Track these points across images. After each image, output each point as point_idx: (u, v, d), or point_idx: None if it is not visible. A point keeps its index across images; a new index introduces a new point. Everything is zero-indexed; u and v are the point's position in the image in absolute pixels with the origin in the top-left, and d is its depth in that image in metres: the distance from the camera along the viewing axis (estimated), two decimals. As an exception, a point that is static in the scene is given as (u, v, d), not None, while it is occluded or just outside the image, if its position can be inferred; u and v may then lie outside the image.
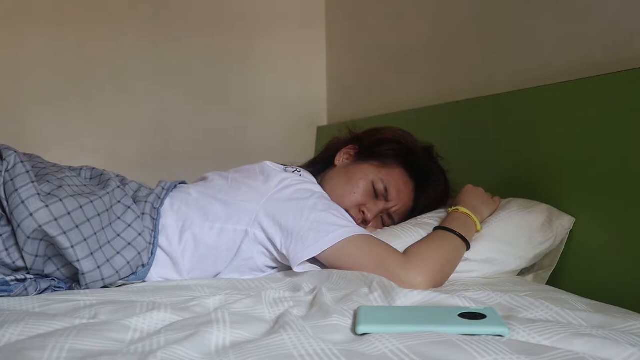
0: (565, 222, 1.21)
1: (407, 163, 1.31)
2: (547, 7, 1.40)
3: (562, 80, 1.29)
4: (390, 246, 1.11)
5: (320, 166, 1.38)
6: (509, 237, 1.19)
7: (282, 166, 1.30)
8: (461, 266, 1.15)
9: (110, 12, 2.39)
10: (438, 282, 1.06)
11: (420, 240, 1.15)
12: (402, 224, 1.25)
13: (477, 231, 1.18)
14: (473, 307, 0.84)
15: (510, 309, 0.88)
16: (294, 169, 1.29)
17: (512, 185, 1.39)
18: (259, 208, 1.17)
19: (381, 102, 2.19)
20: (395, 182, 1.29)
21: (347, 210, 1.27)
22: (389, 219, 1.31)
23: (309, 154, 2.39)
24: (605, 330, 0.77)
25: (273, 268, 1.22)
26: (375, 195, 1.28)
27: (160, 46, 2.46)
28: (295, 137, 2.61)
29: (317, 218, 1.13)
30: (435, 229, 1.17)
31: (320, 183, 1.31)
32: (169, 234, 1.17)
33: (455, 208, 1.21)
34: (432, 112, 1.78)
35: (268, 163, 1.29)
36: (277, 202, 1.17)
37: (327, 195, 1.23)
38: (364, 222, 1.28)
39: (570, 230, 1.22)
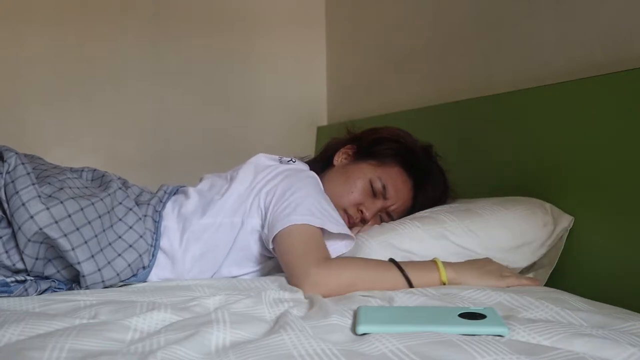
0: (564, 221, 1.21)
1: (406, 162, 1.31)
2: (547, 7, 1.40)
3: (562, 80, 1.29)
4: (327, 251, 1.10)
5: (319, 166, 1.38)
6: (507, 235, 1.19)
7: (277, 157, 1.32)
8: None
9: (110, 12, 2.39)
10: (334, 293, 1.02)
11: (360, 257, 1.12)
12: (401, 219, 1.25)
13: (443, 283, 1.05)
14: (473, 307, 0.84)
15: (510, 309, 0.88)
16: (289, 159, 1.31)
17: (512, 184, 1.39)
18: (252, 198, 1.20)
19: (381, 102, 2.19)
20: (393, 181, 1.29)
21: (345, 210, 1.27)
22: (388, 217, 1.31)
23: (309, 154, 2.39)
24: (605, 330, 0.77)
25: (270, 258, 1.22)
26: (374, 194, 1.29)
27: (160, 46, 2.46)
28: (295, 137, 2.60)
29: (297, 201, 1.14)
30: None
31: None
32: (170, 236, 1.18)
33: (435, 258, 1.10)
34: (432, 112, 1.78)
35: (262, 155, 1.31)
36: (266, 188, 1.20)
37: (316, 183, 1.23)
38: (362, 221, 1.28)
39: (570, 230, 1.22)
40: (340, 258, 1.12)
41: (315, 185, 1.23)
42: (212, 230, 1.18)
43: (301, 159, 1.37)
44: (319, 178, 1.28)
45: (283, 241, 1.11)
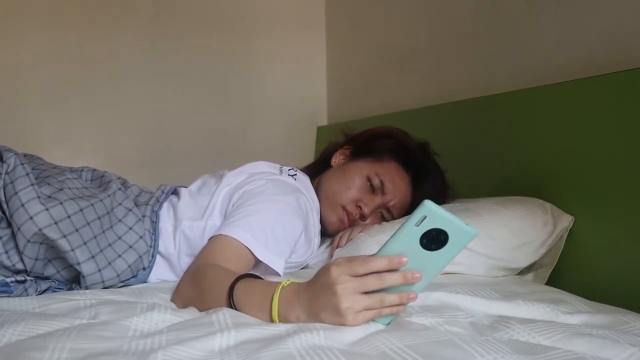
0: (564, 221, 1.21)
1: (402, 158, 1.32)
2: (547, 7, 1.40)
3: (562, 80, 1.29)
4: (223, 270, 0.96)
5: (318, 168, 1.39)
6: (507, 235, 1.19)
7: (278, 165, 1.30)
8: (465, 261, 1.15)
9: (110, 12, 2.39)
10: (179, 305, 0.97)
11: (218, 272, 0.96)
12: (401, 218, 1.25)
13: (272, 319, 0.81)
14: (414, 216, 0.74)
15: (510, 309, 0.88)
16: (290, 168, 1.30)
17: (512, 184, 1.39)
18: (233, 198, 1.18)
19: (381, 102, 2.19)
20: (390, 176, 1.29)
21: (344, 207, 1.27)
22: (388, 214, 1.31)
23: (309, 154, 2.40)
24: (605, 330, 0.77)
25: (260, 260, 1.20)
26: (372, 190, 1.29)
27: (160, 46, 2.46)
28: (295, 137, 2.60)
29: (248, 213, 1.10)
30: (243, 276, 0.89)
31: (318, 185, 1.32)
32: (165, 238, 1.18)
33: (292, 281, 0.83)
34: (432, 112, 1.78)
35: (262, 162, 1.30)
36: (246, 191, 1.17)
37: (293, 205, 1.16)
38: (361, 218, 1.28)
39: (570, 230, 1.22)
40: (210, 270, 0.97)
41: (292, 207, 1.16)
42: (201, 232, 1.16)
43: (303, 170, 1.36)
44: (308, 198, 1.24)
45: (208, 243, 1.08)
